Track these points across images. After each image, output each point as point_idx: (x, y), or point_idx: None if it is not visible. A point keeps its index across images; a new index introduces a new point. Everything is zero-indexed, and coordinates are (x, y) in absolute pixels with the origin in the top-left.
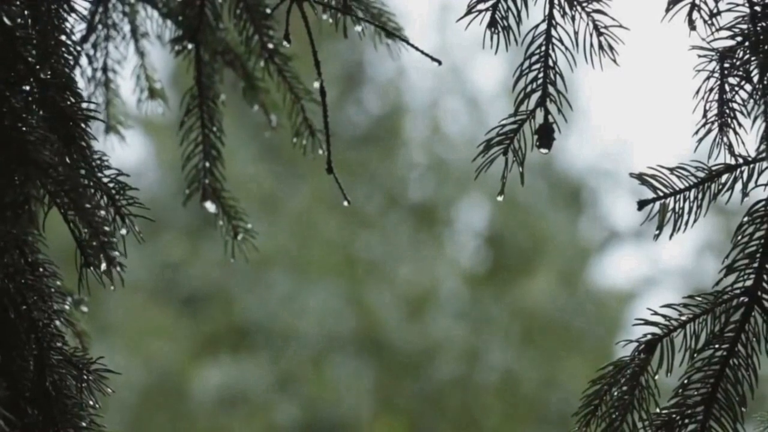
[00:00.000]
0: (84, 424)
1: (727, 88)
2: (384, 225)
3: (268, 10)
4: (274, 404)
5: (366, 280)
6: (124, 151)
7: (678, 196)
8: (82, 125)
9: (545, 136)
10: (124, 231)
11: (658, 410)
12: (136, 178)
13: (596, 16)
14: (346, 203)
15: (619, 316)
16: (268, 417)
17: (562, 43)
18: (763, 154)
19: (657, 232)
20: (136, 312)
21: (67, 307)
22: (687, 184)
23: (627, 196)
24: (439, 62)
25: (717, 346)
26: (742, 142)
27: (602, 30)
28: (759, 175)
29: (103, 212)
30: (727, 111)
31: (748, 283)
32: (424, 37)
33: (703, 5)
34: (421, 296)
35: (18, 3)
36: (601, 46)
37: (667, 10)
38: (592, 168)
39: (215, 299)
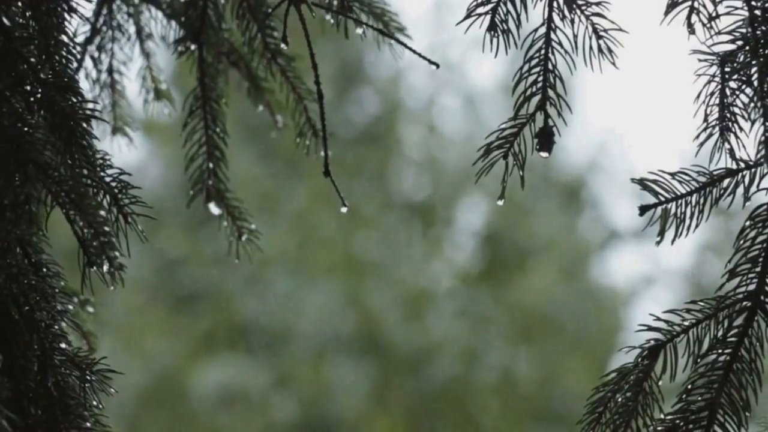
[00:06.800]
0: (88, 425)
1: (727, 92)
2: (382, 224)
3: (269, 11)
4: (273, 403)
5: (364, 280)
6: (128, 150)
7: (679, 201)
8: (83, 125)
9: (545, 139)
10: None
11: (662, 416)
12: (137, 176)
13: (595, 19)
14: (344, 209)
15: (618, 316)
16: (267, 416)
17: (562, 47)
18: (763, 159)
19: (659, 238)
20: (135, 310)
21: (71, 308)
22: (688, 189)
23: (627, 195)
24: (437, 65)
25: (720, 351)
26: (743, 147)
27: (601, 33)
28: (760, 179)
29: (103, 212)
30: (728, 115)
31: (751, 287)
32: (421, 34)
33: (702, 9)
34: (420, 295)
35: (19, 3)
36: (600, 50)
37: (666, 13)
38: (592, 167)
39: (214, 298)
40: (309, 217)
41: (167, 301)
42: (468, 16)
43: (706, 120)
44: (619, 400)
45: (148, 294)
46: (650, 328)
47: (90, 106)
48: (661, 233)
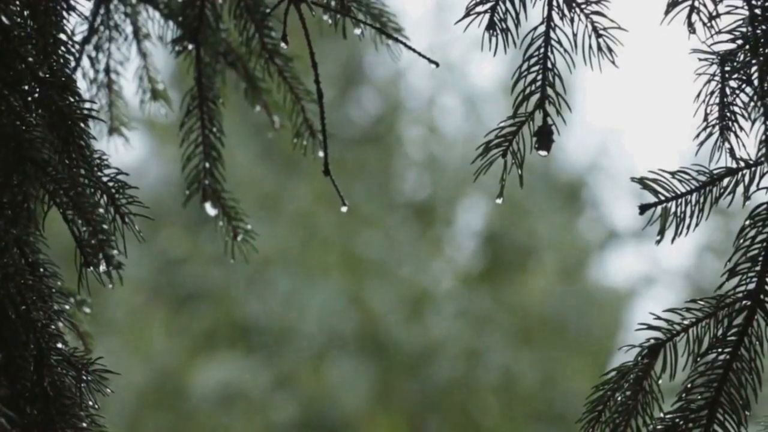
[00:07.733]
0: (84, 425)
1: (727, 91)
2: (383, 224)
3: (267, 11)
4: (274, 403)
5: (365, 280)
6: (125, 150)
7: (679, 200)
8: (81, 124)
9: (544, 138)
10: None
11: (662, 415)
12: (136, 176)
13: (595, 17)
14: (344, 208)
15: (618, 315)
16: (268, 416)
17: (561, 45)
18: (763, 158)
19: (659, 237)
20: (135, 310)
21: (68, 308)
22: (688, 188)
23: (627, 195)
24: (437, 64)
25: (720, 350)
26: (743, 146)
27: (601, 32)
28: (760, 178)
29: (101, 210)
30: (728, 114)
31: (751, 286)
32: (421, 35)
33: (702, 8)
34: (421, 295)
35: (17, 2)
36: (599, 48)
37: (667, 12)
38: (592, 167)
39: (214, 298)
40: (310, 216)
41: (167, 301)
42: (467, 15)
43: (706, 119)
44: (619, 398)
45: (148, 294)
46: (650, 327)
47: (87, 105)
48: (661, 232)
